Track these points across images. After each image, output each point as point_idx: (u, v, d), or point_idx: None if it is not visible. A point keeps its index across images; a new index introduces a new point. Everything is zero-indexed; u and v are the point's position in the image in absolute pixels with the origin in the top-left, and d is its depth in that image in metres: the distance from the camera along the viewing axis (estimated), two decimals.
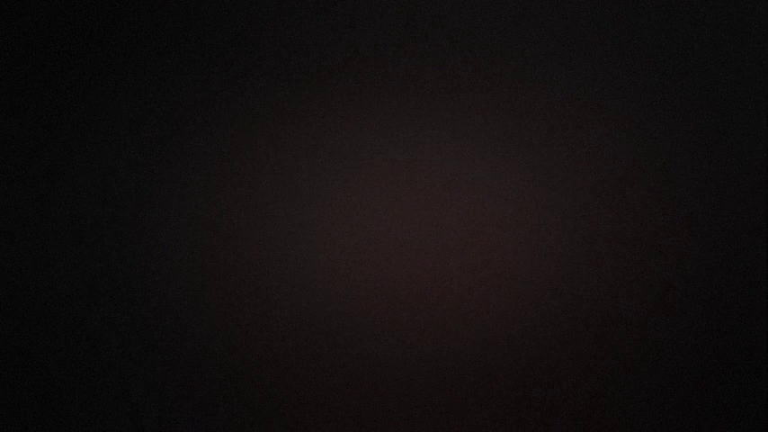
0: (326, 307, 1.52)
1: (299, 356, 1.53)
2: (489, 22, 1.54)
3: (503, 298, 1.52)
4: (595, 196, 1.52)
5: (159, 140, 1.55)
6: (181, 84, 1.55)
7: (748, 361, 1.50)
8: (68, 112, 1.56)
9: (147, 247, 1.54)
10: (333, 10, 1.55)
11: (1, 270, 1.55)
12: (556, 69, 1.53)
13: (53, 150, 1.56)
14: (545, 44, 1.53)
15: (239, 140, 1.54)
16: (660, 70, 1.53)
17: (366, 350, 1.52)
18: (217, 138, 1.55)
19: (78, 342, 1.55)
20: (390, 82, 1.54)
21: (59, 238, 1.55)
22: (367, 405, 1.52)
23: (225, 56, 1.55)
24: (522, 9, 1.53)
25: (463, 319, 1.52)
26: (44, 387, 1.55)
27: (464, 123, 1.53)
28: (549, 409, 1.51)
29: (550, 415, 1.51)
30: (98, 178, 1.55)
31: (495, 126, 1.53)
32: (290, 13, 1.55)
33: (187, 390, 1.53)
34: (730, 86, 1.52)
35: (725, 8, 1.52)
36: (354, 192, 1.53)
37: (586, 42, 1.53)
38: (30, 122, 1.56)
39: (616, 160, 1.52)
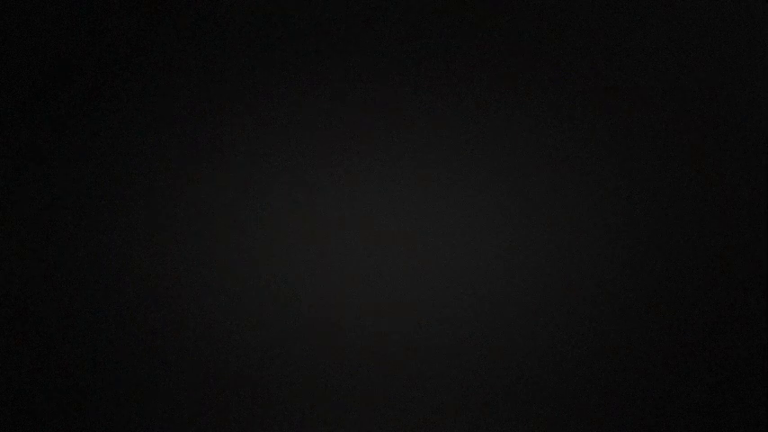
0: (326, 306, 1.53)
1: (299, 356, 1.53)
2: (491, 18, 1.54)
3: (503, 298, 1.52)
4: (596, 196, 1.52)
5: (159, 139, 1.55)
6: (180, 82, 1.56)
7: (748, 361, 1.50)
8: (69, 110, 1.56)
9: (146, 246, 1.54)
10: (331, 8, 1.55)
11: (1, 268, 1.56)
12: (555, 68, 1.54)
13: (53, 150, 1.56)
14: (546, 42, 1.54)
15: (239, 139, 1.55)
16: (662, 69, 1.53)
17: (365, 350, 1.53)
18: (216, 136, 1.55)
19: (77, 342, 1.55)
20: (390, 80, 1.54)
21: (59, 237, 1.56)
22: (367, 405, 1.53)
23: (223, 54, 1.56)
24: (525, 7, 1.54)
25: (464, 319, 1.52)
26: (41, 386, 1.55)
27: (465, 122, 1.53)
28: (549, 408, 1.51)
29: (550, 415, 1.51)
30: (98, 177, 1.56)
31: (497, 124, 1.53)
32: (288, 11, 1.56)
33: (186, 390, 1.54)
34: (730, 86, 1.53)
35: (725, 7, 1.53)
36: (354, 190, 1.53)
37: (587, 41, 1.54)
38: (31, 124, 1.57)
39: (617, 160, 1.52)
